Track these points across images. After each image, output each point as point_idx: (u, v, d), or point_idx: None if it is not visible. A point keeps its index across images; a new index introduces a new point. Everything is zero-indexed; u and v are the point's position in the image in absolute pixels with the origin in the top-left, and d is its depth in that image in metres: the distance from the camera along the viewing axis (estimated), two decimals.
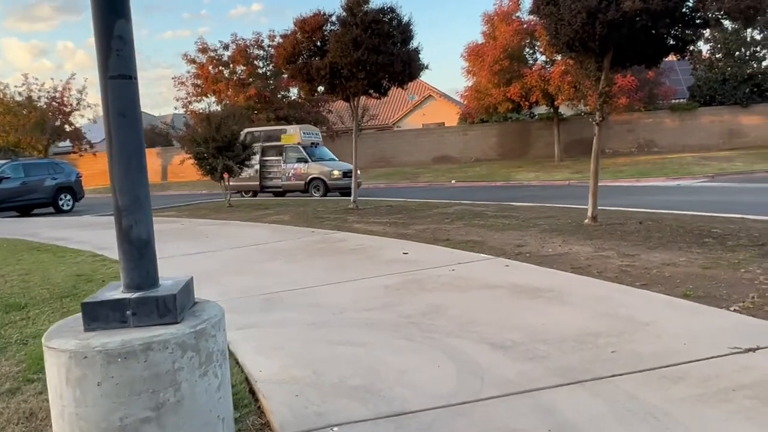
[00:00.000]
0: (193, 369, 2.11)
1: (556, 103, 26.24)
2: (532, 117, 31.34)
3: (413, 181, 24.34)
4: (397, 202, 13.68)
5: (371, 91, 12.19)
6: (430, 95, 40.13)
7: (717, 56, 29.11)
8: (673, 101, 29.29)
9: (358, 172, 19.14)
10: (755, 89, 27.88)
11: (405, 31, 11.73)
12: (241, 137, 15.59)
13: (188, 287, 2.39)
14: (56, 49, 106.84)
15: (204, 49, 29.19)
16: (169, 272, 5.94)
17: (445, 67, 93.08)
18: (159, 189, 28.87)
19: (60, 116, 33.25)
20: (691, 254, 5.83)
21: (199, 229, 10.18)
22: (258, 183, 19.84)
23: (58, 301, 5.20)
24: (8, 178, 17.40)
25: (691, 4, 7.27)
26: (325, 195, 18.30)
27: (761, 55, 28.63)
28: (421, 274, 5.49)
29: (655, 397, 2.71)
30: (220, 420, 2.25)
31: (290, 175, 19.28)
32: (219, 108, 26.71)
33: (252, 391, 3.09)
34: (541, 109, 29.65)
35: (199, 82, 29.57)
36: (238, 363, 3.44)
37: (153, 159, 35.48)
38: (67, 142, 35.18)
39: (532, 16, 14.81)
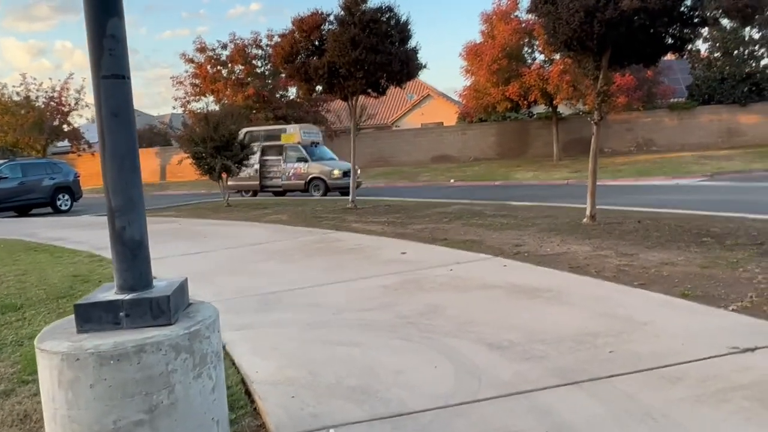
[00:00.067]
0: (187, 371, 2.09)
1: (554, 102, 26.24)
2: (530, 116, 31.33)
3: (412, 181, 24.32)
4: (395, 202, 13.66)
5: (369, 91, 12.16)
6: (428, 95, 40.12)
7: (715, 55, 29.11)
8: (671, 100, 29.30)
9: (359, 171, 19.15)
10: (753, 88, 27.89)
11: (403, 31, 11.71)
12: (241, 136, 15.57)
13: (182, 288, 2.37)
14: (54, 48, 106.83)
15: (202, 49, 29.16)
16: (166, 272, 5.92)
17: (444, 66, 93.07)
18: (158, 189, 28.82)
19: (58, 116, 33.20)
20: (689, 253, 5.82)
21: (196, 229, 10.16)
22: (258, 182, 19.81)
23: (55, 301, 5.18)
24: (6, 178, 17.36)
25: (689, 3, 7.26)
26: (325, 194, 18.27)
27: (759, 54, 28.63)
28: (418, 274, 5.47)
29: (654, 397, 2.70)
30: (215, 422, 2.23)
31: (290, 174, 19.25)
32: (217, 107, 26.67)
33: (248, 393, 3.08)
34: (540, 109, 29.64)
35: (197, 81, 29.53)
36: (234, 364, 3.43)
37: (151, 159, 35.44)
38: (66, 142, 35.13)
39: (530, 15, 14.79)
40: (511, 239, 7.18)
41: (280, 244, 7.94)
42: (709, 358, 3.11)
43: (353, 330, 3.94)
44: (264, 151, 19.54)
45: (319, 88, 13.06)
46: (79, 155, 33.77)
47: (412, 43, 11.94)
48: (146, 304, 2.13)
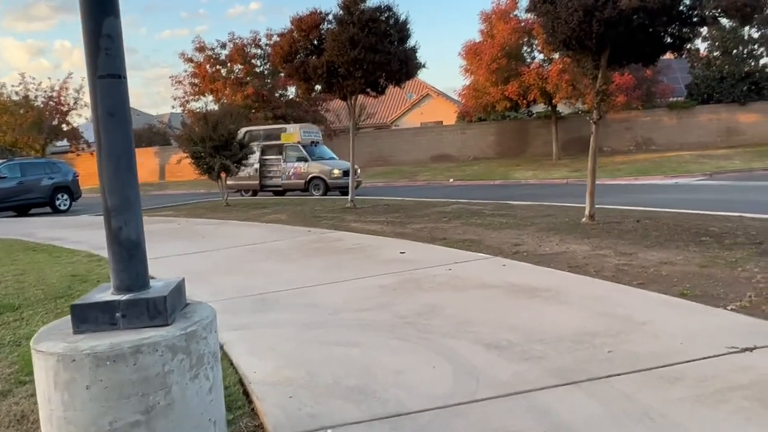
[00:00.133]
0: (184, 372, 2.08)
1: (553, 101, 26.24)
2: (530, 115, 31.33)
3: (411, 180, 24.31)
4: (394, 201, 13.65)
5: (368, 90, 12.15)
6: (428, 94, 40.12)
7: (714, 54, 29.13)
8: (670, 99, 29.31)
9: (358, 170, 19.13)
10: (753, 87, 27.90)
11: (402, 30, 11.69)
12: (240, 136, 15.55)
13: (179, 288, 2.36)
14: (54, 48, 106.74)
15: (201, 48, 29.13)
16: (164, 272, 5.92)
17: (443, 65, 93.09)
18: (157, 188, 28.81)
19: (57, 115, 33.15)
20: (688, 253, 5.81)
21: (195, 229, 10.15)
22: (258, 182, 19.79)
23: (53, 301, 5.17)
24: (5, 177, 17.34)
25: (688, 2, 7.25)
26: (325, 194, 18.25)
27: (759, 53, 28.65)
28: (417, 274, 5.46)
29: (652, 397, 2.69)
30: (212, 423, 2.22)
31: (290, 174, 19.22)
32: (216, 107, 26.66)
33: (246, 393, 3.07)
34: (539, 108, 29.64)
35: (196, 81, 29.50)
36: (232, 364, 3.42)
37: (151, 158, 35.42)
38: (65, 142, 35.09)
39: (529, 15, 14.79)
40: (510, 239, 7.17)
41: (279, 243, 7.93)
42: (707, 357, 3.11)
43: (351, 330, 3.93)
44: (264, 151, 19.52)
45: (318, 87, 13.05)
46: (78, 155, 33.72)
47: (411, 43, 11.94)
48: (143, 304, 2.12)
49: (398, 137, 33.85)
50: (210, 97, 29.67)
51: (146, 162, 34.51)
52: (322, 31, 11.79)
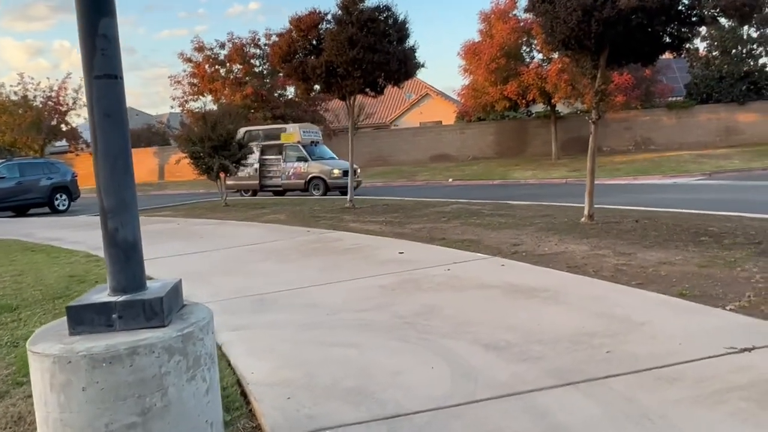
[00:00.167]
0: (181, 373, 2.08)
1: (553, 101, 26.24)
2: (529, 115, 31.33)
3: (410, 180, 24.31)
4: (393, 201, 13.65)
5: (367, 90, 12.13)
6: (427, 93, 40.12)
7: (713, 54, 29.14)
8: (669, 99, 29.32)
9: (358, 170, 19.11)
10: (752, 87, 27.90)
11: (401, 30, 11.68)
12: (240, 136, 15.52)
13: (176, 289, 2.35)
14: (52, 48, 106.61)
15: (200, 48, 29.13)
16: (162, 273, 5.91)
17: (442, 65, 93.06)
18: (156, 188, 28.80)
19: (56, 116, 33.15)
20: (687, 253, 5.81)
21: (194, 229, 10.14)
22: (257, 182, 19.76)
23: (51, 302, 5.16)
24: (3, 178, 17.32)
25: (686, 2, 7.25)
26: (325, 194, 18.23)
27: (757, 52, 28.66)
28: (416, 274, 5.46)
29: (650, 398, 2.68)
30: (209, 425, 2.21)
31: (290, 174, 19.20)
32: (215, 107, 26.64)
33: (244, 394, 3.06)
34: (538, 107, 29.64)
35: (195, 81, 29.50)
36: (230, 365, 3.41)
37: (150, 158, 35.41)
38: (63, 142, 35.08)
39: (528, 14, 14.79)
40: (508, 239, 7.17)
41: (277, 243, 7.93)
42: (706, 358, 3.10)
43: (350, 331, 3.93)
44: (263, 151, 19.50)
45: (317, 87, 13.04)
46: (77, 155, 33.72)
47: (410, 42, 11.93)
48: (139, 305, 2.11)
49: (397, 137, 33.85)
50: (209, 97, 29.70)
51: (145, 162, 34.51)
52: (321, 31, 11.78)
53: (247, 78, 28.77)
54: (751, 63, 28.53)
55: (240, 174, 18.21)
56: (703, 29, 10.11)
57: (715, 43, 28.83)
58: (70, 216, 16.19)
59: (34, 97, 32.47)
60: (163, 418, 2.02)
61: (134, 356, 1.98)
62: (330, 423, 2.64)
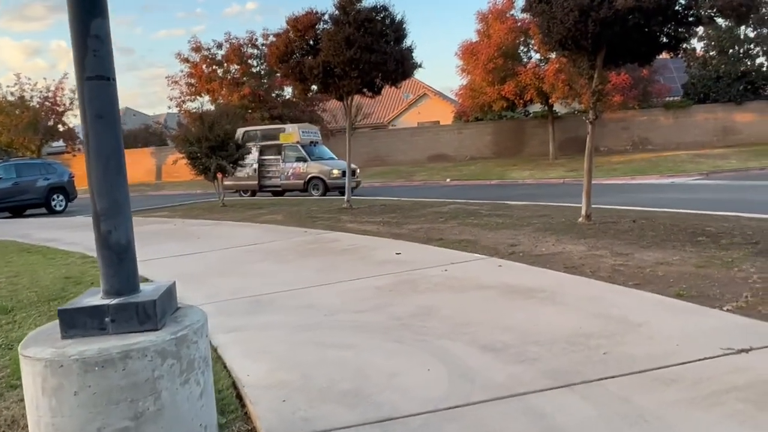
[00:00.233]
0: (174, 377, 2.06)
1: (550, 101, 26.25)
2: (526, 115, 31.34)
3: (408, 180, 24.29)
4: (391, 201, 13.63)
5: (365, 90, 12.12)
6: (424, 94, 40.11)
7: (710, 54, 29.15)
8: (667, 99, 29.33)
9: (358, 171, 19.09)
10: (749, 86, 27.94)
11: (398, 30, 11.67)
12: (239, 136, 15.47)
13: (170, 292, 2.33)
14: (50, 48, 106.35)
15: (197, 48, 29.07)
16: (158, 274, 5.88)
17: (440, 65, 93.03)
18: (153, 189, 28.75)
19: (53, 116, 33.08)
20: (684, 253, 5.81)
21: (191, 230, 10.11)
22: (256, 182, 19.71)
23: (46, 304, 5.14)
24: (0, 178, 17.28)
25: (683, 2, 7.25)
26: (324, 194, 18.18)
27: (754, 52, 28.68)
28: (413, 275, 5.44)
29: (647, 400, 2.67)
30: (203, 428, 2.20)
31: (289, 174, 19.15)
32: (212, 107, 26.61)
33: (239, 396, 3.05)
34: (536, 107, 29.66)
35: (192, 81, 29.44)
36: (225, 367, 3.40)
37: (147, 159, 35.36)
38: (61, 142, 35.01)
39: (526, 14, 14.80)
40: (506, 239, 7.16)
41: (274, 244, 7.91)
42: (703, 359, 3.09)
43: (346, 332, 3.91)
44: (262, 151, 19.45)
45: (314, 87, 13.02)
46: (74, 155, 33.65)
47: (407, 43, 11.91)
48: (132, 309, 2.09)
49: (395, 137, 33.83)
50: (206, 98, 29.64)
51: (142, 162, 34.46)
52: (318, 31, 11.77)
53: (244, 78, 28.73)
54: (748, 63, 28.56)
55: (239, 174, 18.17)
56: (700, 29, 10.14)
57: (712, 43, 28.85)
58: (67, 217, 16.14)
59: (31, 97, 32.42)
60: (156, 422, 2.01)
61: (127, 360, 1.96)
62: (325, 426, 2.63)
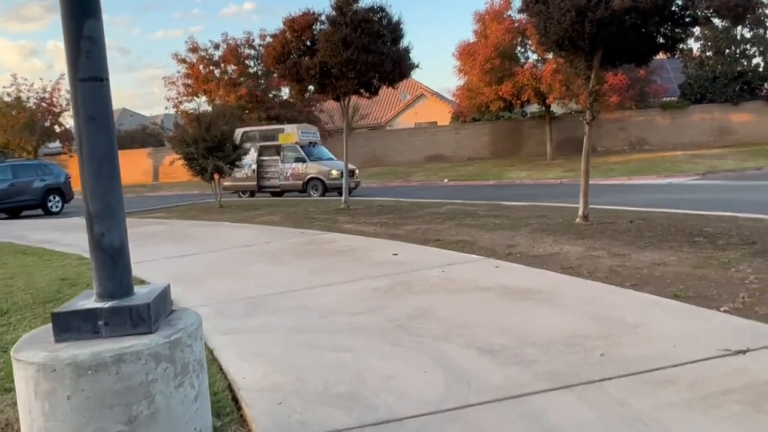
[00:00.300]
0: (168, 380, 2.05)
1: (547, 101, 26.27)
2: (524, 115, 31.37)
3: (406, 181, 24.28)
4: (388, 202, 13.62)
5: (362, 91, 12.11)
6: (422, 94, 40.11)
7: (707, 54, 29.22)
8: (664, 99, 29.41)
9: (356, 171, 19.05)
10: (745, 87, 28.01)
11: (395, 30, 11.67)
12: (237, 136, 15.42)
13: (164, 295, 2.32)
14: (46, 49, 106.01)
15: (194, 49, 29.04)
16: (154, 275, 5.86)
17: (438, 65, 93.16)
18: (150, 189, 28.69)
19: (49, 117, 33.00)
20: (681, 253, 5.80)
21: (187, 231, 10.09)
22: (255, 183, 19.66)
23: (41, 306, 5.11)
24: None
25: (680, 3, 7.25)
26: (323, 195, 18.13)
27: (751, 52, 28.76)
28: (410, 276, 5.43)
29: (644, 402, 2.67)
30: None
31: (288, 174, 19.10)
32: (209, 108, 26.56)
33: (235, 399, 3.03)
34: (533, 108, 29.68)
35: (189, 81, 29.40)
36: (221, 369, 3.38)
37: (144, 159, 35.29)
38: (57, 143, 34.92)
39: (522, 15, 14.81)
40: (503, 240, 7.15)
41: (271, 245, 7.89)
42: (700, 360, 3.09)
43: (342, 334, 3.90)
44: (261, 152, 19.38)
45: (311, 88, 13.00)
46: (71, 156, 33.49)
47: (404, 43, 11.92)
48: (126, 312, 2.08)
49: (392, 138, 33.83)
50: (203, 98, 29.60)
51: (139, 163, 34.39)
52: (315, 32, 11.75)
53: (241, 79, 28.70)
54: (745, 63, 28.64)
55: (237, 175, 18.13)
56: (696, 30, 10.13)
57: (709, 44, 28.92)
58: (63, 218, 16.08)
59: (28, 98, 32.33)
60: (150, 426, 1.99)
61: (120, 364, 1.95)
62: (321, 429, 2.61)
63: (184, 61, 29.21)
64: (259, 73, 29.43)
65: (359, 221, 9.92)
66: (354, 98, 12.92)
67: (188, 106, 29.55)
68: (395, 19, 11.67)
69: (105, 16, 2.15)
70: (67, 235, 10.38)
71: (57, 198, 18.47)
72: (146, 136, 39.05)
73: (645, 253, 5.90)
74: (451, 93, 31.11)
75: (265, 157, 19.45)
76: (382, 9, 11.52)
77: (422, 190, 19.73)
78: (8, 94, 31.96)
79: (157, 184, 32.81)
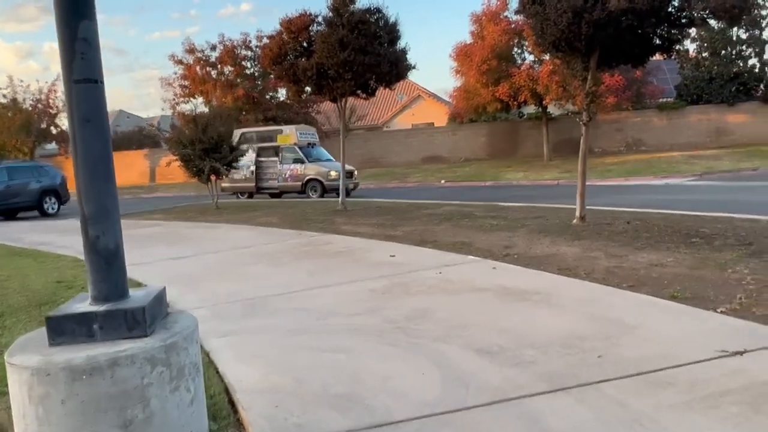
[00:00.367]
0: (164, 384, 2.03)
1: (544, 102, 26.29)
2: (520, 117, 31.40)
3: (403, 182, 24.28)
4: (385, 203, 13.61)
5: (358, 92, 12.11)
6: (419, 95, 40.14)
7: (703, 55, 29.31)
8: (660, 100, 29.47)
9: (355, 172, 19.02)
10: (741, 88, 28.10)
11: (392, 32, 11.67)
12: (236, 138, 15.38)
13: (160, 298, 2.30)
14: (43, 50, 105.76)
15: (191, 50, 29.02)
16: (150, 277, 5.83)
17: (435, 67, 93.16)
18: (147, 191, 28.62)
19: (46, 118, 32.92)
20: (678, 254, 5.81)
21: (184, 232, 10.06)
22: (254, 184, 19.60)
23: (37, 308, 5.09)
24: None
25: (676, 4, 7.26)
26: (322, 196, 18.08)
27: (747, 53, 28.86)
28: (407, 277, 5.42)
29: (642, 403, 2.66)
30: None
31: (287, 176, 19.04)
32: (206, 109, 26.53)
33: (232, 402, 3.01)
34: (530, 109, 29.72)
35: (186, 83, 29.37)
36: (218, 372, 3.36)
37: (141, 161, 35.20)
38: (53, 145, 34.85)
39: (519, 16, 14.83)
40: (500, 241, 7.15)
41: (268, 247, 7.87)
42: (698, 362, 3.08)
43: (340, 335, 3.89)
44: (259, 153, 19.32)
45: (308, 89, 12.99)
46: (67, 158, 33.41)
47: (401, 44, 11.92)
48: (121, 315, 2.06)
49: (389, 139, 33.82)
50: (200, 99, 29.57)
51: (136, 164, 34.31)
52: (312, 33, 11.75)
53: (238, 80, 28.70)
54: (741, 64, 28.72)
55: (236, 176, 18.07)
56: (692, 31, 10.16)
57: (705, 45, 29.00)
58: (59, 220, 16.02)
59: (24, 99, 32.26)
60: (145, 430, 1.98)
61: (115, 367, 1.93)
62: (318, 431, 2.60)
63: (180, 62, 29.20)
64: (256, 74, 29.43)
65: (356, 222, 9.91)
66: (351, 99, 12.92)
67: (185, 107, 29.54)
68: (392, 20, 11.69)
69: (101, 17, 2.15)
70: (62, 237, 10.34)
71: (53, 199, 18.40)
72: (143, 138, 38.98)
73: (642, 254, 5.90)
74: (448, 94, 31.21)
75: (263, 159, 19.40)
76: (378, 10, 11.52)
77: (419, 191, 19.72)
78: (4, 96, 31.93)
79: (153, 186, 32.73)
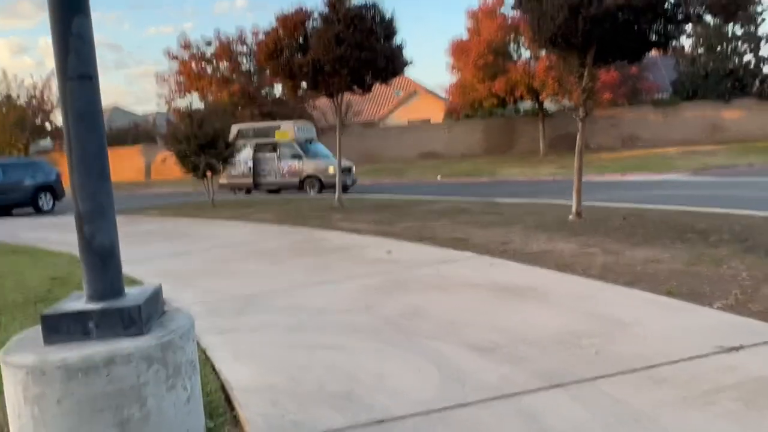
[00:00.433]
0: (160, 382, 2.02)
1: (540, 98, 26.34)
2: (517, 112, 31.42)
3: (399, 178, 24.25)
4: (382, 199, 13.60)
5: (354, 88, 12.07)
6: (415, 91, 40.05)
7: (699, 51, 29.36)
8: (656, 96, 29.53)
9: (353, 168, 18.98)
10: (736, 84, 28.19)
11: (388, 27, 11.62)
12: (233, 133, 15.30)
13: (156, 295, 2.29)
14: (38, 45, 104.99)
15: (187, 46, 28.89)
16: (147, 275, 5.81)
17: (431, 62, 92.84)
18: (142, 187, 28.52)
19: (40, 114, 32.76)
20: (674, 250, 5.82)
21: (180, 229, 10.03)
22: (251, 180, 19.53)
23: (32, 306, 5.06)
24: None
25: (672, 0, 7.26)
26: (320, 192, 18.02)
27: (742, 50, 28.93)
28: (404, 274, 5.42)
29: (639, 400, 2.66)
30: None
31: (285, 172, 18.97)
32: (202, 105, 26.45)
33: (228, 400, 3.00)
34: (526, 105, 29.74)
35: (181, 78, 29.25)
36: (214, 370, 3.35)
37: (136, 157, 35.07)
38: (48, 141, 34.69)
39: (516, 12, 14.82)
40: (497, 237, 7.15)
41: (264, 244, 7.85)
42: (695, 358, 3.09)
43: (336, 333, 3.88)
44: (257, 149, 19.25)
45: (304, 85, 12.94)
46: (62, 154, 33.26)
47: (397, 40, 11.86)
48: (116, 314, 2.05)
49: (386, 135, 33.79)
50: (196, 95, 29.45)
51: (132, 161, 34.18)
52: (308, 29, 11.69)
53: (234, 76, 28.59)
54: (736, 60, 28.81)
55: (233, 172, 17.98)
56: (689, 27, 10.15)
57: (701, 41, 29.06)
58: (54, 216, 15.95)
59: (18, 95, 32.08)
60: (141, 429, 1.97)
61: (111, 366, 1.92)
62: (315, 429, 2.60)
63: (176, 57, 29.07)
64: (252, 70, 29.33)
65: (353, 219, 9.90)
66: (347, 95, 12.87)
67: (181, 103, 29.42)
68: (388, 15, 11.63)
69: (96, 13, 2.13)
70: (57, 234, 10.29)
71: (48, 196, 18.29)
72: (138, 134, 38.82)
73: (638, 250, 5.91)
74: (444, 90, 31.17)
75: (261, 155, 19.31)
76: (374, 6, 11.47)
77: (416, 187, 19.71)
78: None
79: (149, 182, 32.63)
